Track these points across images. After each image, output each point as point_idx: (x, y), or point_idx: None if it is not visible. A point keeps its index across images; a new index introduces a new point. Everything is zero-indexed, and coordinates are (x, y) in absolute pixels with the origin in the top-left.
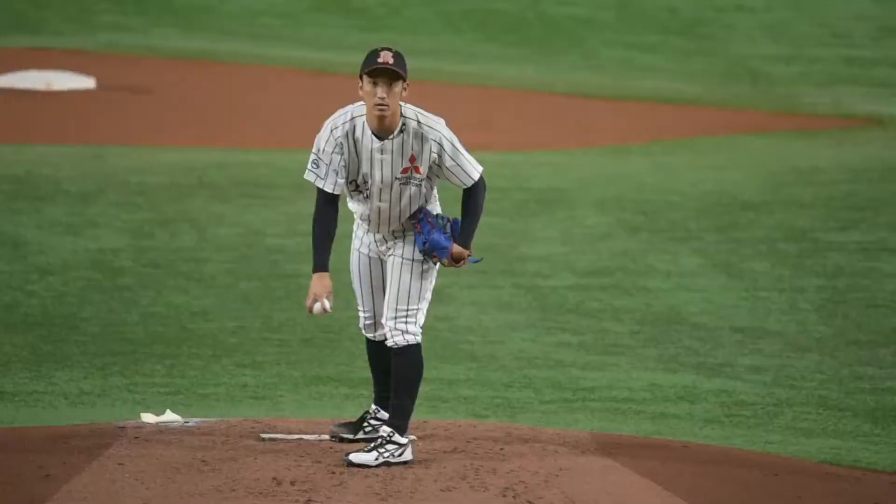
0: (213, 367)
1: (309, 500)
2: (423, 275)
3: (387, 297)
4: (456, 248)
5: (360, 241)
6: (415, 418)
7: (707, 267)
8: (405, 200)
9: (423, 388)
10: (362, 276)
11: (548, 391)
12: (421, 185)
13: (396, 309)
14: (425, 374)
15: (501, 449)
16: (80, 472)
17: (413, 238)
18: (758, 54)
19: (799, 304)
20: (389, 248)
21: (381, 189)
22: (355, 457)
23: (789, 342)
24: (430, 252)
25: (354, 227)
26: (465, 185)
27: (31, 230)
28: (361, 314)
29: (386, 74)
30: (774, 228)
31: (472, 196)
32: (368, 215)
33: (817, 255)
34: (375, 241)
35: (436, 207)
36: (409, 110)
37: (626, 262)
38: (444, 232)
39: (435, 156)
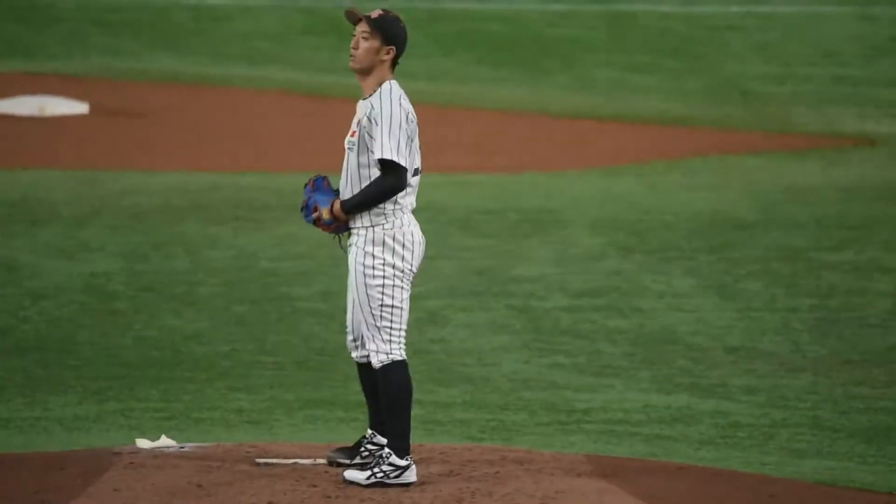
0: (207, 391)
1: None
2: (380, 283)
3: (351, 314)
4: (336, 205)
5: None
6: (410, 442)
7: (700, 287)
8: (349, 169)
9: (419, 411)
10: (349, 284)
11: (543, 413)
12: (356, 150)
13: (363, 326)
14: (420, 396)
15: (497, 472)
16: (76, 497)
17: (364, 236)
18: (749, 74)
19: (792, 323)
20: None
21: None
22: (349, 474)
23: (783, 362)
24: (312, 209)
25: None
26: (375, 157)
27: (25, 254)
28: (347, 330)
29: (360, 24)
30: (768, 248)
31: (377, 179)
32: None
33: (810, 274)
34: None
35: (392, 218)
36: (395, 84)
37: (620, 282)
38: (328, 192)
39: (365, 119)
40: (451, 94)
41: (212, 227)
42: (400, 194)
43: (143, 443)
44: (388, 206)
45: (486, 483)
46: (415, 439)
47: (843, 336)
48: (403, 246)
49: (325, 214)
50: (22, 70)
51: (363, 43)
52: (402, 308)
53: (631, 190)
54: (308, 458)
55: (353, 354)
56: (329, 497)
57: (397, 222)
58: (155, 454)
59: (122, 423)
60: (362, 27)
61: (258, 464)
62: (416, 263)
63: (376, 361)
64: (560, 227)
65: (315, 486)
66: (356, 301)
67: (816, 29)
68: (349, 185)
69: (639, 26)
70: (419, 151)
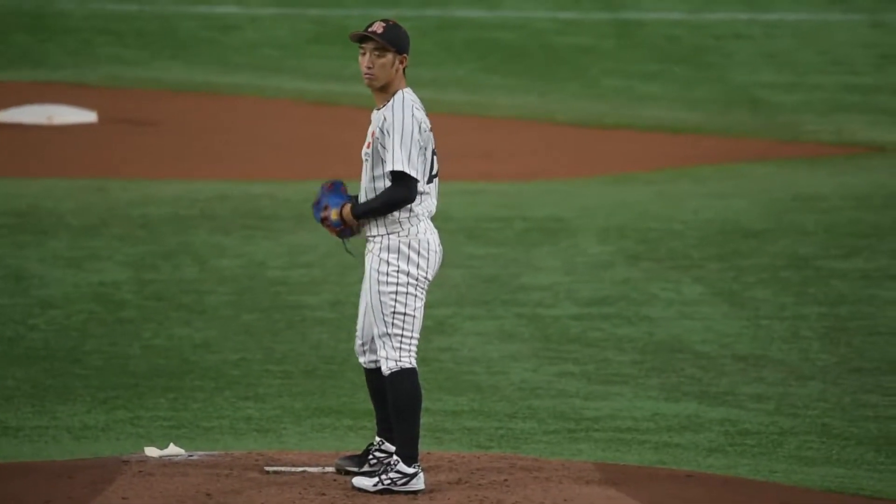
0: (215, 399)
1: None
2: (394, 290)
3: (363, 320)
4: (346, 209)
5: None
6: (418, 450)
7: (709, 295)
8: (364, 180)
9: (427, 420)
10: (362, 289)
11: (551, 421)
12: (370, 162)
13: (377, 334)
14: (429, 405)
15: (505, 480)
16: None
17: (380, 243)
18: (759, 82)
19: (801, 331)
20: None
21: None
22: (357, 481)
23: (792, 370)
24: (322, 207)
25: None
26: (387, 169)
27: (34, 264)
28: (356, 335)
29: (370, 43)
30: (777, 256)
31: (387, 189)
32: None
33: (820, 282)
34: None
35: (408, 225)
36: (408, 93)
37: (628, 290)
38: (343, 196)
39: (378, 131)
40: (460, 102)
41: (220, 236)
42: (415, 202)
43: (151, 451)
44: (402, 214)
45: (495, 491)
46: (423, 447)
47: (853, 344)
48: (419, 254)
49: (334, 216)
50: (30, 79)
51: (378, 60)
52: (414, 316)
53: (639, 198)
54: (317, 466)
55: (361, 360)
56: None
57: (413, 230)
58: (163, 463)
59: (130, 431)
60: (373, 45)
61: (267, 472)
62: (431, 271)
63: (386, 368)
64: (568, 235)
65: (323, 493)
66: (369, 306)
67: (826, 37)
68: (364, 195)
69: (647, 34)
70: (435, 156)
